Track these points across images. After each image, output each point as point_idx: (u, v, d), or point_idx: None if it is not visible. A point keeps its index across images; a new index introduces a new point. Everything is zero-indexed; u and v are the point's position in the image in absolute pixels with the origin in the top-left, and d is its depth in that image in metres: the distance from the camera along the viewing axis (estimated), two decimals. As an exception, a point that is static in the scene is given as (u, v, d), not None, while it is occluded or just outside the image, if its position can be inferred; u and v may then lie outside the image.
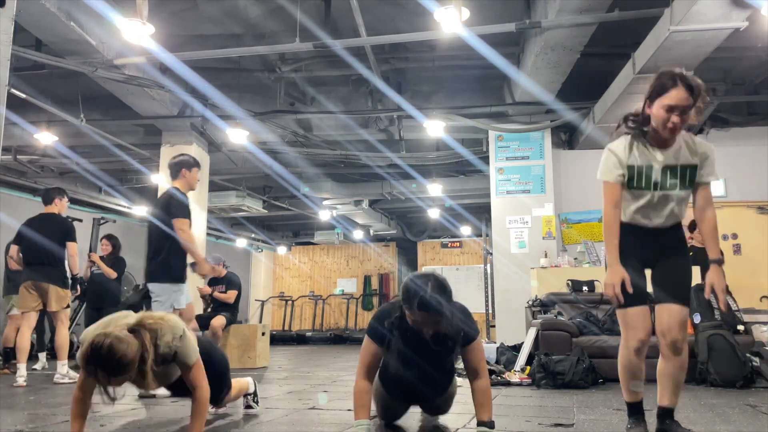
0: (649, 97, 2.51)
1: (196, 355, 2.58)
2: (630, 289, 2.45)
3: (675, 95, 2.41)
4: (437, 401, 3.03)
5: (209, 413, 3.23)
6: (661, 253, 2.62)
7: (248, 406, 3.55)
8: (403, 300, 2.55)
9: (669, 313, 2.54)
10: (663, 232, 2.62)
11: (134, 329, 2.38)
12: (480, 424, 2.63)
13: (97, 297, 7.24)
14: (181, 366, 2.57)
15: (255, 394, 3.58)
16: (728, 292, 5.52)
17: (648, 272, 2.65)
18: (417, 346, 2.61)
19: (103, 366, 2.26)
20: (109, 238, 7.52)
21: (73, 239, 5.60)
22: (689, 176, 2.55)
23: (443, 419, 3.29)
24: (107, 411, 3.74)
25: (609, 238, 2.55)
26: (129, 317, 2.48)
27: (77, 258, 5.63)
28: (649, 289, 2.66)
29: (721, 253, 2.58)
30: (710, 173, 2.57)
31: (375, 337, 2.67)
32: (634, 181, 2.56)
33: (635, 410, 2.64)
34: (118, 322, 2.43)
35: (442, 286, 2.52)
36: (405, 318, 2.58)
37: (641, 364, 2.60)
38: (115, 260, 7.38)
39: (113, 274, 7.26)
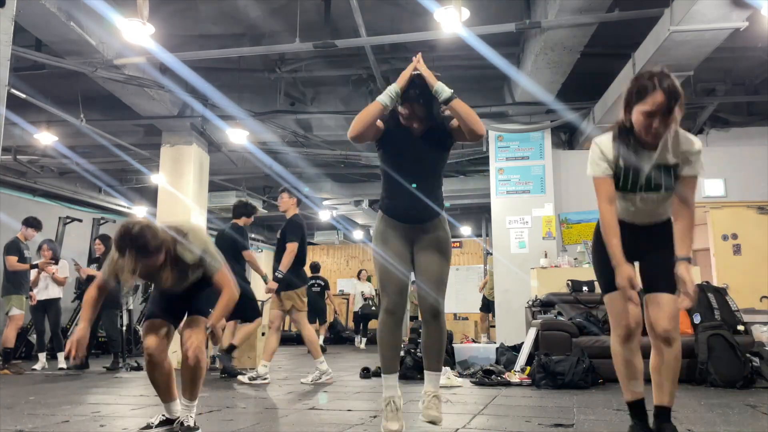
0: (626, 104, 2.41)
1: (219, 265, 2.83)
2: (638, 286, 2.38)
3: (652, 101, 2.29)
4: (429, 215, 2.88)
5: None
6: (648, 246, 2.56)
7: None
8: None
9: (658, 303, 2.49)
10: (651, 228, 2.58)
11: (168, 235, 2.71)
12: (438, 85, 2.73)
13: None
14: (207, 274, 2.81)
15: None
16: (727, 293, 5.60)
17: (636, 265, 2.57)
18: (409, 142, 2.84)
19: (134, 245, 2.52)
20: (103, 238, 7.55)
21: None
22: (674, 175, 2.46)
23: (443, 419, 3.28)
24: (107, 411, 3.74)
25: (610, 238, 2.46)
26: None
27: None
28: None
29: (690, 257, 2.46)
30: (691, 168, 2.44)
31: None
32: (620, 182, 2.50)
33: (636, 411, 2.58)
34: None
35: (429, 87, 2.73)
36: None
37: (634, 358, 2.54)
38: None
39: None
